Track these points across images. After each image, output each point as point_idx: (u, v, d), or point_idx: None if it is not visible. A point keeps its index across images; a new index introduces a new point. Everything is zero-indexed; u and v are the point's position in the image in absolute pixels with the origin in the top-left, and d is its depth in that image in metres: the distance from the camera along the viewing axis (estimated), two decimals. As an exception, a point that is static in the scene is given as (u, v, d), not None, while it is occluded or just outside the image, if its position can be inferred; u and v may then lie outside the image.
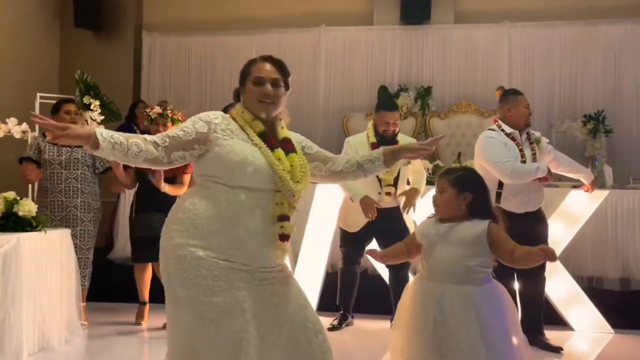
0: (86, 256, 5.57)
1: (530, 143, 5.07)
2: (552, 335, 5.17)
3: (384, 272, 5.77)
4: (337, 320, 5.66)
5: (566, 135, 7.64)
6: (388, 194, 5.39)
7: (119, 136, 2.59)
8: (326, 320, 5.51)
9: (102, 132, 2.53)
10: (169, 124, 5.54)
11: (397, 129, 5.51)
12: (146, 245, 5.38)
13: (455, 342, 2.87)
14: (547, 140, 5.25)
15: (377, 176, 5.33)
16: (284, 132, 2.91)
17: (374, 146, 5.40)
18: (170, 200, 5.37)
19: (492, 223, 3.02)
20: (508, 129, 5.05)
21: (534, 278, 5.00)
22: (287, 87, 2.93)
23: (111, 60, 8.78)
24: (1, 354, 4.34)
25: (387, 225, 5.37)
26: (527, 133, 5.12)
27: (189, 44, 9.11)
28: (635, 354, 5.18)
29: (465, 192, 3.05)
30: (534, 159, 5.02)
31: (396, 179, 5.43)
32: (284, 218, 2.74)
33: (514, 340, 2.94)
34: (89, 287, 5.66)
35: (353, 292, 5.72)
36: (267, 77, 2.83)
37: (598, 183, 5.96)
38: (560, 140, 7.59)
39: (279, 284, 2.79)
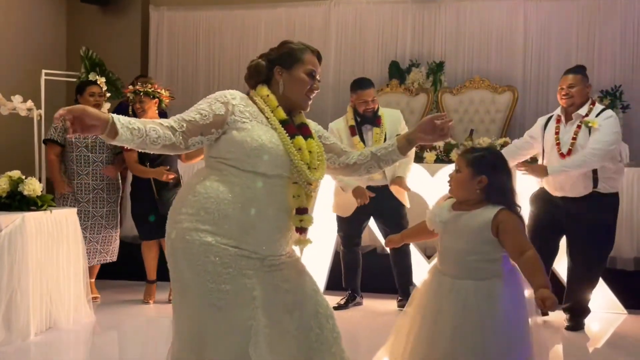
0: (110, 234, 5.88)
1: (578, 126, 4.94)
2: (564, 316, 5.23)
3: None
4: (344, 300, 5.70)
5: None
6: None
7: (136, 122, 2.49)
8: (335, 300, 5.58)
9: (119, 119, 2.43)
10: (145, 99, 5.60)
11: (376, 106, 5.47)
12: (153, 224, 5.62)
13: (451, 339, 2.80)
14: (600, 124, 4.88)
15: None
16: (301, 117, 2.87)
17: (351, 129, 5.46)
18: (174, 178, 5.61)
19: (503, 210, 2.80)
20: (558, 110, 5.09)
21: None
22: None
23: (118, 35, 8.76)
24: (9, 333, 4.41)
25: (380, 203, 5.42)
26: (582, 115, 4.95)
27: (196, 19, 9.07)
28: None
29: (482, 174, 2.85)
30: (573, 143, 4.91)
31: None
32: (302, 211, 2.69)
33: (510, 338, 2.77)
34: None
35: (357, 273, 5.76)
36: (318, 72, 2.83)
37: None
38: (577, 116, 7.54)
39: (288, 269, 2.76)
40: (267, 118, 2.72)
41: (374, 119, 5.43)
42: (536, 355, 2.84)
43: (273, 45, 2.91)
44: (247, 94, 2.81)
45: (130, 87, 5.70)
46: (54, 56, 8.31)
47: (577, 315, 5.15)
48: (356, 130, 5.45)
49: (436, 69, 8.17)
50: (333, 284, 5.91)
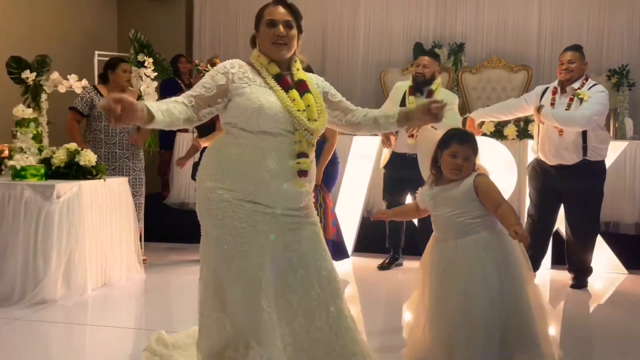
0: (139, 202, 5.76)
1: (570, 98, 4.97)
2: (569, 276, 5.28)
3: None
4: (387, 260, 5.75)
5: (591, 88, 7.48)
6: (411, 135, 5.27)
7: (161, 104, 2.56)
8: (367, 261, 5.72)
9: (150, 105, 2.48)
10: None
11: (429, 75, 5.40)
12: None
13: (458, 292, 2.91)
14: (589, 96, 4.94)
15: None
16: (299, 74, 2.84)
17: (410, 89, 5.43)
18: None
19: (478, 176, 3.03)
20: (555, 83, 5.12)
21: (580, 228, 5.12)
22: (300, 30, 2.83)
23: (165, 18, 8.84)
24: (68, 289, 4.54)
25: (414, 175, 5.38)
26: (574, 88, 4.98)
27: (237, 3, 9.09)
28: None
29: (477, 154, 3.08)
30: (567, 111, 4.94)
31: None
32: (302, 155, 2.72)
33: (507, 280, 2.94)
34: (146, 228, 5.91)
35: (399, 235, 5.75)
36: (280, 20, 2.74)
37: (619, 134, 5.88)
38: (586, 93, 7.46)
39: (301, 230, 2.80)
40: (263, 78, 2.75)
41: (424, 86, 5.39)
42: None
43: (307, 25, 2.89)
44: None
45: (203, 64, 5.64)
46: (106, 38, 8.40)
47: (581, 274, 5.19)
48: (413, 90, 5.43)
49: (457, 49, 8.13)
50: (362, 247, 6.05)
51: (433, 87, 5.41)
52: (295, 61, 2.86)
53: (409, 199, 5.61)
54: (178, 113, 2.59)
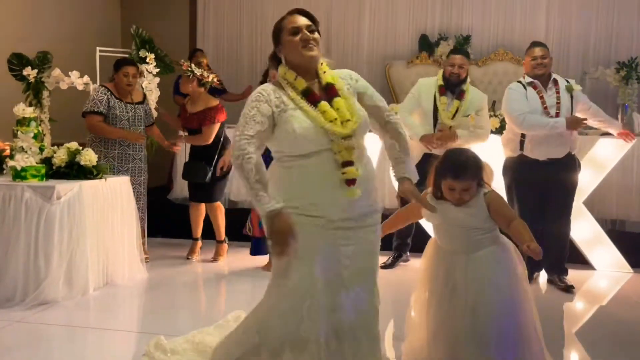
0: (146, 201, 5.85)
1: (557, 91, 4.98)
2: (574, 274, 5.24)
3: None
4: (389, 260, 5.70)
5: (599, 81, 7.43)
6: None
7: (262, 180, 2.65)
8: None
9: (270, 197, 2.62)
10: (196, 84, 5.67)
11: (464, 75, 5.34)
12: (199, 188, 5.81)
13: (468, 302, 2.92)
14: (580, 88, 5.14)
15: (435, 120, 5.28)
16: (326, 76, 2.81)
17: (441, 89, 5.32)
18: (211, 151, 5.74)
19: (490, 193, 3.03)
20: (528, 79, 5.06)
21: (560, 219, 5.04)
22: (319, 35, 2.85)
23: (168, 12, 8.78)
24: (70, 289, 4.56)
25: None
26: (556, 80, 5.03)
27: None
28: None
29: (479, 177, 3.04)
30: (558, 106, 4.95)
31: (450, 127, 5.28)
32: (346, 164, 2.69)
33: (517, 294, 2.97)
34: (149, 224, 6.00)
35: (408, 234, 5.69)
36: (303, 25, 2.76)
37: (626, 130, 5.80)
38: (594, 86, 7.42)
39: (357, 245, 2.77)
40: (292, 99, 2.73)
41: (457, 86, 5.32)
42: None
43: None
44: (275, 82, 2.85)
45: (186, 63, 5.66)
46: (109, 34, 8.36)
47: (560, 272, 5.12)
48: (445, 90, 5.33)
49: (463, 42, 8.05)
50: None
51: (464, 87, 5.35)
52: (322, 64, 2.84)
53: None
54: (260, 170, 2.66)
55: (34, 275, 4.42)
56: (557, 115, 4.93)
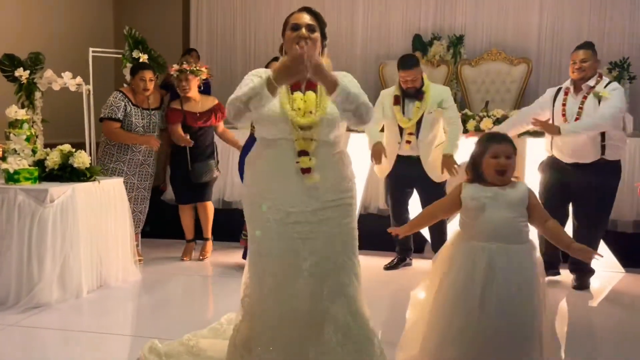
0: (148, 204, 5.93)
1: (584, 97, 4.91)
2: (567, 274, 5.29)
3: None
4: (394, 261, 5.76)
5: (592, 81, 7.42)
6: (408, 142, 5.32)
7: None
8: (374, 261, 5.70)
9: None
10: (190, 77, 5.71)
11: (418, 84, 5.35)
12: (194, 189, 5.88)
13: (503, 297, 2.88)
14: (609, 94, 4.86)
15: (399, 124, 5.34)
16: None
17: (395, 98, 5.39)
18: (210, 148, 5.85)
19: (529, 188, 3.07)
20: (567, 83, 5.07)
21: (585, 226, 5.07)
22: (323, 36, 2.99)
23: (162, 13, 8.76)
24: (63, 292, 4.56)
25: (416, 176, 5.40)
26: (591, 86, 4.93)
27: (234, -3, 9.02)
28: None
29: (516, 152, 3.08)
30: (580, 110, 4.89)
31: (418, 128, 5.32)
32: (301, 153, 2.82)
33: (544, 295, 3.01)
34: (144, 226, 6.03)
35: (407, 238, 5.69)
36: (303, 23, 2.91)
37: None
38: (586, 86, 7.40)
39: (315, 239, 2.84)
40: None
41: (416, 96, 5.35)
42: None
43: None
44: None
45: (176, 66, 5.72)
46: (102, 34, 8.32)
47: (583, 274, 5.18)
48: (400, 100, 5.38)
49: (456, 42, 8.06)
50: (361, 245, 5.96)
51: (423, 89, 5.37)
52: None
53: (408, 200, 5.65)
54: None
55: (27, 279, 4.41)
56: (577, 120, 4.89)
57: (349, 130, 5.03)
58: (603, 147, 4.90)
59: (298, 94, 2.86)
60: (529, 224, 3.04)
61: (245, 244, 5.42)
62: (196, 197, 5.95)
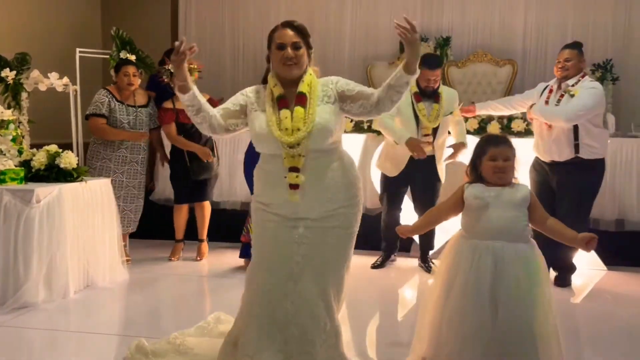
0: (141, 203, 5.90)
1: (561, 95, 5.01)
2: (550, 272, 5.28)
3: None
4: (380, 259, 5.80)
5: (575, 83, 7.48)
6: (428, 142, 5.35)
7: (201, 98, 2.97)
8: (362, 260, 5.66)
9: (195, 88, 2.92)
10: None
11: (438, 85, 5.41)
12: (197, 187, 5.90)
13: (512, 295, 2.93)
14: (578, 91, 4.95)
15: (417, 125, 5.35)
16: (302, 85, 2.96)
17: (416, 96, 5.37)
18: (207, 146, 5.88)
19: (530, 189, 3.15)
20: (553, 81, 5.19)
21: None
22: (308, 46, 3.03)
23: (150, 14, 8.74)
24: (50, 292, 4.55)
25: (423, 174, 5.45)
26: (569, 85, 5.03)
27: (222, -2, 9.01)
28: (625, 287, 5.32)
29: (515, 154, 3.14)
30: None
31: (435, 129, 5.38)
32: (292, 169, 2.90)
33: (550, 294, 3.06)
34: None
35: (396, 235, 5.72)
36: (288, 42, 2.94)
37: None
38: (570, 88, 7.47)
39: (309, 244, 2.95)
40: (264, 102, 2.99)
41: (434, 95, 5.40)
42: None
43: (294, 19, 3.12)
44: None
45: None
46: (90, 35, 8.28)
47: (565, 272, 5.24)
48: (420, 97, 5.38)
49: (443, 43, 8.09)
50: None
51: (439, 90, 5.45)
52: (310, 74, 3.01)
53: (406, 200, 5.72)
54: (209, 108, 2.98)
55: (13, 279, 4.40)
56: None
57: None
58: (576, 146, 4.97)
59: (285, 112, 2.91)
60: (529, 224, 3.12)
61: (245, 239, 5.46)
62: (196, 196, 5.95)
